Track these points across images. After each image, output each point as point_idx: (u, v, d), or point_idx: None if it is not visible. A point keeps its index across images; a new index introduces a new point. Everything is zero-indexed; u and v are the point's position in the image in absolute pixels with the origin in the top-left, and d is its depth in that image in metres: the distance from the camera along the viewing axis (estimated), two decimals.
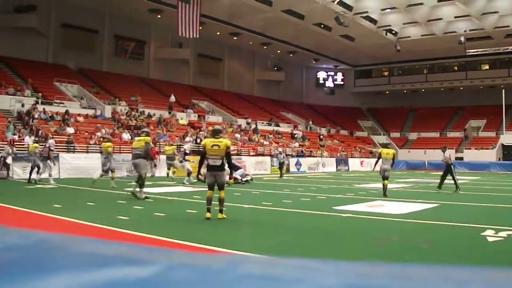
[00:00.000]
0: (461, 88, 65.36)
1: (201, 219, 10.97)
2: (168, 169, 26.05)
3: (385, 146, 19.44)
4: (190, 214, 12.17)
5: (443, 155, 20.63)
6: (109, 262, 0.85)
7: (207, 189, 11.20)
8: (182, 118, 43.65)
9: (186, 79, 55.86)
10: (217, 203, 11.01)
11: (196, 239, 8.54)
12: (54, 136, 28.50)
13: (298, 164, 40.03)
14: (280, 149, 36.82)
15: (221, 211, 10.96)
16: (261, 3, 44.95)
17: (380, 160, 17.88)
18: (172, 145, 28.70)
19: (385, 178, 17.47)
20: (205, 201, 11.22)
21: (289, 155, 40.17)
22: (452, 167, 20.27)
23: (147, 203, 14.28)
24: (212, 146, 10.85)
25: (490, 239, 8.92)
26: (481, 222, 11.30)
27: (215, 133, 11.45)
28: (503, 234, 9.36)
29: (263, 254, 6.58)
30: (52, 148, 22.47)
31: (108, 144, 21.54)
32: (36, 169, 21.98)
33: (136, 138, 16.81)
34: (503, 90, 51.81)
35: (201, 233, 9.44)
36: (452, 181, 20.16)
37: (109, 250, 0.95)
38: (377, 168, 18.48)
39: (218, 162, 10.87)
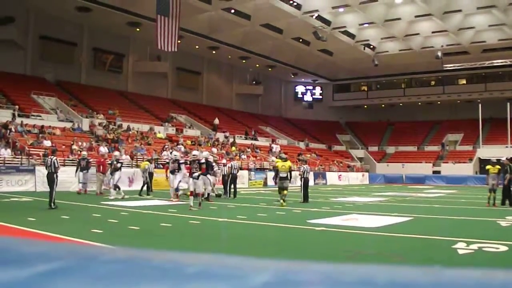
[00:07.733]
0: (439, 102, 65.97)
1: (175, 233, 10.91)
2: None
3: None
4: (163, 228, 12.12)
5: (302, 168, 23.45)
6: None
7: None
8: (160, 131, 43.44)
9: (164, 92, 55.56)
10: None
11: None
12: (31, 149, 28.31)
13: (275, 178, 39.72)
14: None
15: (284, 201, 18.85)
16: (239, 17, 45.06)
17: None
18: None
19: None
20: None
21: (266, 169, 40.20)
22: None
23: (122, 216, 14.19)
24: (282, 166, 19.66)
25: (461, 251, 9.01)
26: (453, 235, 11.41)
27: (283, 158, 21.25)
28: (474, 246, 9.46)
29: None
30: (121, 161, 24.00)
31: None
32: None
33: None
34: (480, 105, 52.32)
35: (171, 246, 9.41)
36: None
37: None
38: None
39: (285, 175, 19.43)
